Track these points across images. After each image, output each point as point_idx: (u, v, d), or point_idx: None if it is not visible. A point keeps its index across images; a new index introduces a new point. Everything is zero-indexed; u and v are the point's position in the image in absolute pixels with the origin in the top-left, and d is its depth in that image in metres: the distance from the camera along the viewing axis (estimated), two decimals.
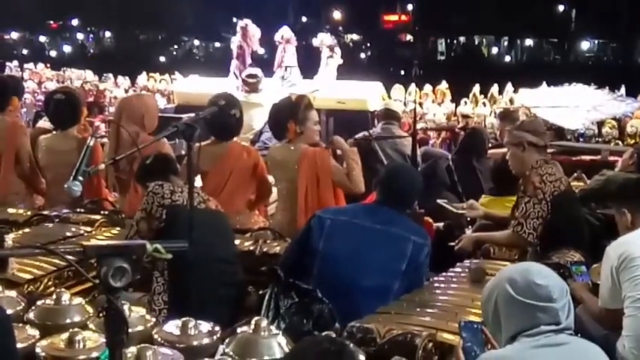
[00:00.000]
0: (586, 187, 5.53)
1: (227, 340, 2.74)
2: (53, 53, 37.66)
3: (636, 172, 5.39)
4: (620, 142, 9.17)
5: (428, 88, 12.29)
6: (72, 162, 3.81)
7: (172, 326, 2.83)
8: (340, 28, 36.09)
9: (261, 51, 10.23)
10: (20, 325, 2.85)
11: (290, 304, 3.40)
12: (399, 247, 3.62)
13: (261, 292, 3.75)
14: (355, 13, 37.19)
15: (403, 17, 36.74)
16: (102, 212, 4.89)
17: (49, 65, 17.29)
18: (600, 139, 9.37)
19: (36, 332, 2.81)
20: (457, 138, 8.98)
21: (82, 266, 2.18)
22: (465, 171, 6.51)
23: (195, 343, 2.77)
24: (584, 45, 39.02)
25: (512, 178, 4.71)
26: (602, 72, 20.75)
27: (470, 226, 5.31)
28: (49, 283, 3.62)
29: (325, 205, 4.62)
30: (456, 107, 11.71)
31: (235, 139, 5.21)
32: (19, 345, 2.58)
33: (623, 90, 10.04)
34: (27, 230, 4.47)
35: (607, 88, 9.19)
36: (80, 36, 43.60)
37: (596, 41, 39.45)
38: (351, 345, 2.63)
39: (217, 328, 2.86)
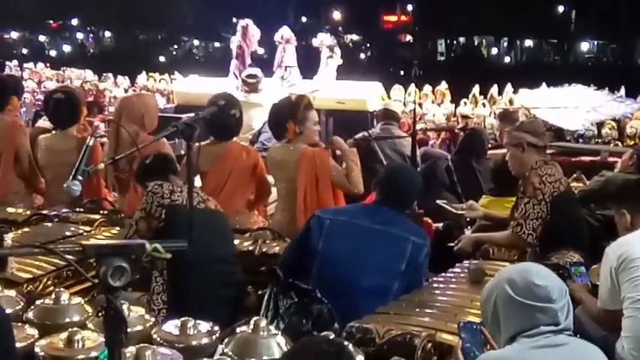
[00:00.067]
0: (585, 187, 5.53)
1: (226, 340, 2.74)
2: (53, 53, 37.64)
3: (636, 173, 5.40)
4: (619, 143, 9.16)
5: (427, 88, 12.27)
6: (71, 161, 3.83)
7: (171, 326, 2.83)
8: (340, 28, 36.07)
9: (260, 51, 10.22)
10: (19, 324, 2.85)
11: (289, 304, 3.40)
12: (398, 248, 3.62)
13: (260, 292, 3.75)
14: (355, 13, 37.19)
15: (403, 18, 36.72)
16: (101, 212, 4.90)
17: (48, 65, 17.26)
18: (600, 140, 9.36)
19: (35, 332, 2.81)
20: (457, 138, 8.97)
21: (81, 266, 2.19)
22: (465, 171, 6.51)
23: (194, 342, 2.77)
24: (584, 46, 39.00)
25: (513, 179, 4.71)
26: (601, 73, 20.72)
27: (469, 227, 5.31)
28: (49, 282, 3.62)
29: (324, 205, 4.63)
30: (456, 108, 11.69)
31: (235, 139, 5.22)
32: (18, 344, 2.58)
33: (622, 91, 10.03)
34: (26, 230, 4.47)
35: (607, 89, 9.18)
36: (80, 35, 43.58)
37: (596, 42, 39.44)
38: (350, 346, 2.64)
39: (216, 328, 2.86)
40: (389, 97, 10.29)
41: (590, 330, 3.56)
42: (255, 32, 9.73)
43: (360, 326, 3.04)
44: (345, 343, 2.63)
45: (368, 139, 6.36)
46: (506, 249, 4.67)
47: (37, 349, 2.67)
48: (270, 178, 5.22)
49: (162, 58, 34.20)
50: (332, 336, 2.70)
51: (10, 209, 4.96)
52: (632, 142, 8.93)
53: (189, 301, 3.44)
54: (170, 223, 3.75)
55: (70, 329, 2.71)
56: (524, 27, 35.26)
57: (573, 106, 8.69)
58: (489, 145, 7.34)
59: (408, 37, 34.67)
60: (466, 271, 3.84)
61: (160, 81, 14.43)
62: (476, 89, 11.76)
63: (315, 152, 4.89)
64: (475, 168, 6.52)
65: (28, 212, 4.88)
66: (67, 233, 4.34)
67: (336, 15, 38.35)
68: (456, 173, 6.48)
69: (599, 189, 5.13)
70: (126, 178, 5.05)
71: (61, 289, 3.20)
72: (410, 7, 32.16)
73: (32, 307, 3.01)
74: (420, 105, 11.47)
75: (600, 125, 9.39)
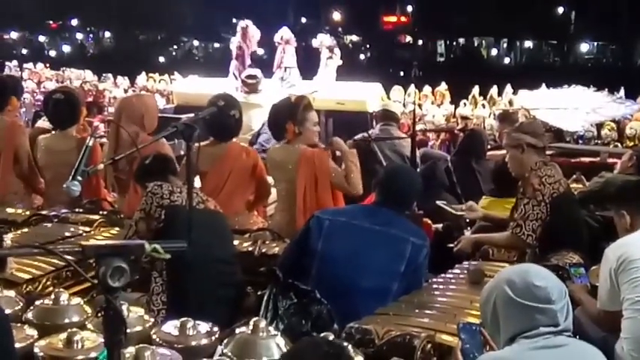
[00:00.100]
0: (585, 189, 5.53)
1: (225, 341, 2.74)
2: (52, 53, 37.67)
3: (635, 174, 5.40)
4: (619, 144, 9.17)
5: (427, 89, 12.29)
6: (71, 162, 3.83)
7: (171, 326, 2.83)
8: (340, 29, 36.10)
9: (260, 52, 10.22)
10: (19, 324, 2.85)
11: (289, 304, 3.40)
12: (397, 248, 3.62)
13: (259, 293, 3.75)
14: (355, 14, 37.23)
15: (403, 18, 36.73)
16: (100, 212, 4.89)
17: (48, 65, 17.30)
18: (599, 141, 9.37)
19: (34, 332, 2.81)
20: (456, 139, 8.97)
21: (81, 266, 2.18)
22: (464, 172, 6.50)
23: (193, 343, 2.77)
24: (584, 47, 39.03)
25: (513, 180, 4.71)
26: (601, 74, 20.71)
27: (469, 228, 5.31)
28: (48, 282, 3.62)
29: (324, 205, 4.62)
30: (456, 109, 11.71)
31: (234, 139, 5.21)
32: (17, 345, 2.58)
33: (622, 92, 10.04)
34: (25, 230, 4.46)
35: (606, 90, 9.19)
36: (79, 36, 43.63)
37: (596, 43, 39.48)
38: (350, 347, 2.64)
39: (216, 329, 2.86)
40: (389, 98, 10.30)
41: (590, 331, 3.56)
42: (255, 33, 9.73)
43: (359, 327, 3.03)
44: (345, 344, 2.63)
45: (367, 139, 6.35)
46: (506, 250, 4.67)
47: (36, 350, 2.66)
48: (270, 179, 5.22)
49: (161, 59, 34.23)
50: (331, 337, 2.70)
51: (9, 209, 4.96)
52: (631, 144, 8.94)
53: (188, 301, 3.44)
54: (169, 223, 3.75)
55: (69, 330, 2.71)
56: (524, 28, 35.30)
57: (573, 107, 8.69)
58: (489, 146, 7.33)
59: (408, 38, 34.66)
60: (466, 272, 3.84)
61: (159, 81, 14.46)
62: (475, 90, 11.78)
63: (315, 153, 4.89)
64: (475, 169, 6.51)
65: (28, 213, 4.88)
66: (67, 234, 4.34)
67: (336, 16, 38.38)
68: (456, 174, 6.48)
69: (599, 190, 5.13)
70: (125, 179, 5.04)
71: (61, 289, 3.20)
72: (410, 8, 32.16)
73: (31, 307, 3.01)
74: (420, 106, 11.48)
75: (600, 126, 9.40)
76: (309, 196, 4.81)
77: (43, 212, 4.89)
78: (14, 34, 39.87)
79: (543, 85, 10.13)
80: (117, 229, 4.48)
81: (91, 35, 44.86)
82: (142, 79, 14.67)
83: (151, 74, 14.91)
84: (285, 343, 2.72)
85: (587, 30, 36.53)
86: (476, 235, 4.91)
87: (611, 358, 3.32)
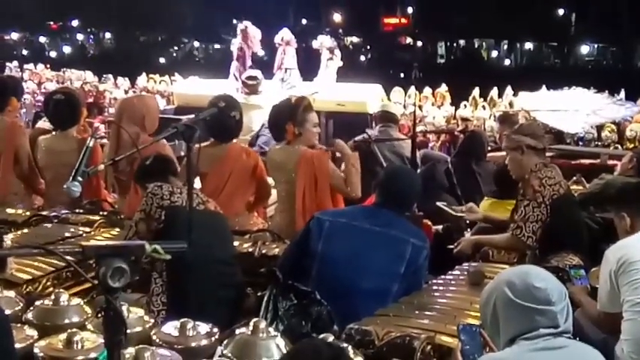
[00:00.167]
0: (585, 190, 5.53)
1: (225, 342, 2.74)
2: (53, 54, 37.69)
3: (635, 176, 5.40)
4: (619, 146, 9.18)
5: (427, 91, 12.30)
6: (71, 163, 3.84)
7: (171, 327, 2.83)
8: (340, 30, 36.09)
9: (261, 53, 10.23)
10: (19, 325, 2.85)
11: (289, 305, 3.40)
12: (397, 250, 3.62)
13: (259, 294, 3.76)
14: (355, 15, 37.25)
15: (403, 20, 36.81)
16: (101, 213, 4.90)
17: (48, 66, 17.29)
18: (600, 143, 9.38)
19: (34, 332, 2.81)
20: (456, 141, 8.97)
21: (81, 267, 2.19)
22: (464, 174, 6.50)
23: (193, 344, 2.77)
24: (584, 49, 39.04)
25: (515, 182, 4.70)
26: (601, 76, 20.69)
27: (469, 229, 5.31)
28: (48, 283, 3.62)
29: (323, 207, 4.63)
30: (456, 110, 11.71)
31: (234, 140, 5.22)
32: (17, 345, 2.58)
33: (622, 94, 10.02)
34: (26, 230, 4.47)
35: (607, 92, 9.17)
36: (80, 37, 43.64)
37: (596, 45, 39.47)
38: (350, 348, 2.64)
39: (216, 330, 2.86)
40: (389, 100, 10.30)
41: (590, 333, 3.56)
42: (255, 33, 9.73)
43: (359, 328, 3.03)
44: (345, 345, 2.64)
45: (368, 141, 6.35)
46: (506, 251, 4.67)
47: (36, 350, 2.66)
48: (270, 180, 5.22)
49: (162, 60, 34.25)
50: (331, 338, 2.70)
51: (9, 210, 4.97)
52: (631, 145, 8.95)
53: (188, 302, 3.44)
54: (170, 224, 3.75)
55: (69, 330, 2.71)
56: (525, 30, 35.30)
57: (573, 109, 8.68)
58: (489, 148, 7.33)
59: (408, 40, 34.74)
60: (465, 273, 3.84)
61: (160, 82, 14.46)
62: (476, 92, 11.78)
63: (314, 154, 4.89)
64: (475, 170, 6.51)
65: (28, 213, 4.88)
66: (67, 234, 4.34)
67: (337, 17, 38.41)
68: (456, 175, 6.47)
69: (599, 192, 5.13)
70: (126, 180, 5.04)
71: (61, 290, 3.20)
72: (410, 10, 32.26)
73: (32, 308, 3.01)
74: (420, 107, 11.49)
75: (600, 128, 9.41)
76: (309, 198, 4.81)
77: (44, 213, 4.89)
78: (15, 35, 39.89)
79: (543, 86, 10.12)
80: (117, 229, 4.48)
81: (91, 36, 44.87)
82: (142, 80, 14.67)
83: (151, 75, 14.92)
84: (285, 344, 2.72)
85: (587, 32, 36.54)
86: (476, 236, 4.91)
87: None
